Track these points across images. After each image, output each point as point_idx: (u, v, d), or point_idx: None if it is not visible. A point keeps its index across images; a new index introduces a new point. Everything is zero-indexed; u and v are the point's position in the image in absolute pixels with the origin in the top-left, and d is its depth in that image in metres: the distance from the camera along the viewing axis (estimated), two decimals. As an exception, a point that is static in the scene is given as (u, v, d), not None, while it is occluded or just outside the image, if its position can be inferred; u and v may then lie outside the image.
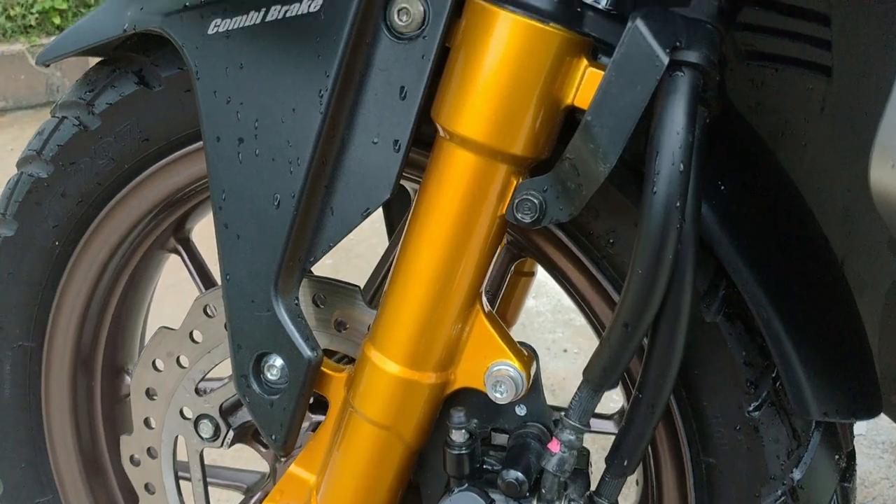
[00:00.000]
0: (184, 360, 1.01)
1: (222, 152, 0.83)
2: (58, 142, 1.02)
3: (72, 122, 1.01)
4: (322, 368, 0.84)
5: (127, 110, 0.98)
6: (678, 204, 0.66)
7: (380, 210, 1.20)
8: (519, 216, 0.74)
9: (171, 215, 1.08)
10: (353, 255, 2.67)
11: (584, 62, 0.71)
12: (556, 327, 2.26)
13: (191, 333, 1.00)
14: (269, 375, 0.84)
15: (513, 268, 1.08)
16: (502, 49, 0.70)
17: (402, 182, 0.95)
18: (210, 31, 0.83)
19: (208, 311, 0.98)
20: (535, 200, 0.73)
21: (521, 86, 0.70)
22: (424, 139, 0.84)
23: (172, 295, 1.63)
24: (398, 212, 1.20)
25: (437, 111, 0.75)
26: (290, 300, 0.83)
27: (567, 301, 2.54)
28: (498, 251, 0.80)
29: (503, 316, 1.20)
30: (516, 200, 0.74)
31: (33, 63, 4.01)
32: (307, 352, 0.82)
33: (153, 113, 0.98)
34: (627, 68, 0.66)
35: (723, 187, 0.79)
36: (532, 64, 0.70)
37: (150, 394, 1.04)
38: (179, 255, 1.13)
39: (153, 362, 1.02)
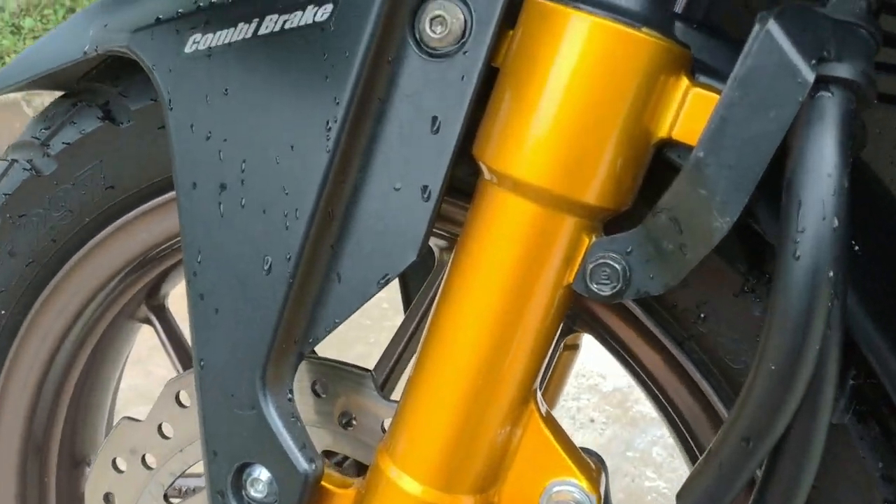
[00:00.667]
0: (150, 460, 0.81)
1: (199, 202, 0.65)
2: (4, 190, 0.84)
3: (22, 165, 0.83)
4: (322, 483, 0.65)
5: (89, 151, 0.80)
6: (830, 273, 0.47)
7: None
8: (594, 287, 0.55)
9: (142, 279, 0.89)
10: (358, 315, 2.48)
11: (685, 81, 0.53)
12: (580, 393, 2.06)
13: (159, 427, 0.80)
14: (252, 492, 0.64)
15: (562, 345, 0.89)
16: (575, 62, 0.52)
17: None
18: (187, 50, 0.64)
19: (181, 399, 0.79)
20: (616, 266, 0.54)
21: (600, 112, 0.52)
22: (459, 185, 0.66)
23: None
24: (418, 276, 1.01)
25: (481, 147, 0.57)
26: (281, 395, 0.64)
27: (593, 362, 2.34)
28: (558, 330, 0.61)
29: (544, 395, 1.00)
30: (590, 266, 0.55)
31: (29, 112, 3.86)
32: (302, 464, 0.62)
33: (120, 154, 0.79)
34: (757, 87, 0.48)
35: (857, 247, 0.60)
36: (617, 82, 0.51)
37: (108, 500, 0.84)
38: (152, 325, 0.94)
39: (113, 461, 0.82)
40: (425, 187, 0.60)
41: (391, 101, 0.60)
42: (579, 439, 2.05)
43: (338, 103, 0.59)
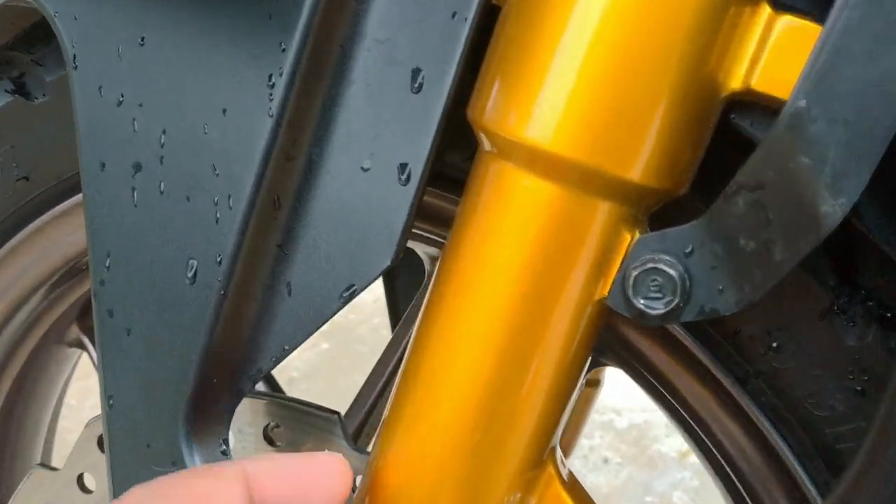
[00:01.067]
0: (68, 520, 0.65)
1: (108, 188, 0.49)
2: None
3: (-79, 153, 0.67)
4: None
5: (-3, 134, 0.64)
6: None
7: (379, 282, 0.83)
8: (640, 303, 0.39)
9: (70, 293, 0.74)
10: (353, 339, 2.31)
11: (767, 9, 0.37)
12: (593, 430, 1.88)
13: (79, 478, 0.64)
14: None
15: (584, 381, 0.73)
16: (613, -20, 0.36)
17: (411, 243, 0.61)
18: (95, -12, 0.49)
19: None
20: (671, 273, 0.38)
21: (646, 49, 0.36)
22: (451, 172, 0.51)
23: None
24: (407, 287, 0.84)
25: (479, 108, 0.41)
26: (211, 448, 0.47)
27: (605, 399, 2.16)
28: (585, 366, 0.45)
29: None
30: (633, 272, 0.39)
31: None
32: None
33: (35, 137, 0.64)
34: (884, 2, 0.32)
35: None
36: (669, 13, 0.35)
37: (18, 568, 0.67)
38: (86, 351, 0.78)
39: (24, 520, 0.66)
40: (404, 166, 0.44)
41: (357, 48, 0.44)
42: (592, 482, 1.87)
43: (284, 50, 0.43)
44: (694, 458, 1.63)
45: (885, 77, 0.32)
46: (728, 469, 0.53)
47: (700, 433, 0.55)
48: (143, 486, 0.38)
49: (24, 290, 0.71)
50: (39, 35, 0.64)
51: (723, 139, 0.41)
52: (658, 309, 0.38)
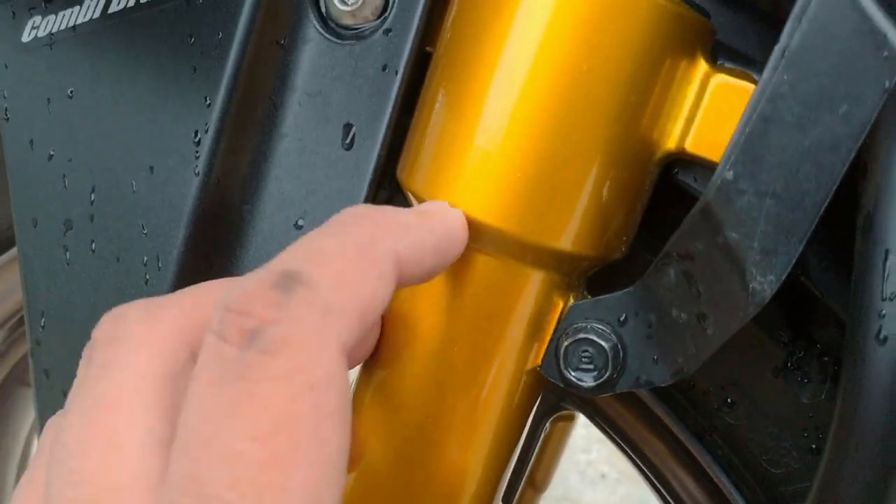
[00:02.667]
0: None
1: (40, 246, 0.47)
2: None
3: None
4: None
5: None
6: (940, 366, 0.29)
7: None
8: (571, 375, 0.37)
9: (29, 334, 0.72)
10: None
11: (704, 65, 0.35)
12: (590, 445, 1.86)
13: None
14: None
15: (548, 424, 0.71)
16: (538, 39, 0.34)
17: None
18: (25, 39, 0.48)
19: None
20: (602, 344, 0.36)
21: (576, 114, 0.34)
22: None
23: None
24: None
25: (407, 170, 0.39)
26: None
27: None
28: (524, 431, 0.43)
29: (532, 477, 0.81)
30: (565, 342, 0.37)
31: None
32: None
33: (-15, 181, 0.63)
34: (817, 67, 0.30)
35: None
36: (601, 63, 0.34)
37: None
38: (48, 391, 0.76)
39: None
40: (337, 224, 0.42)
41: (287, 102, 0.42)
42: (589, 497, 1.86)
43: (209, 105, 0.41)
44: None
45: (816, 147, 0.30)
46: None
47: (660, 487, 0.53)
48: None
49: (-19, 332, 0.70)
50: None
51: (675, 194, 0.39)
52: (588, 382, 0.36)
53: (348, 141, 0.42)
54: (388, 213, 0.32)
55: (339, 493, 0.25)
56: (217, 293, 0.31)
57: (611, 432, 0.54)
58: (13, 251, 0.65)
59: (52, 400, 0.48)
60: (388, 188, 0.44)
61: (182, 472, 0.25)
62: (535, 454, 0.76)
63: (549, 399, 0.65)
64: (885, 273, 0.30)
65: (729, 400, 0.47)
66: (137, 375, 0.29)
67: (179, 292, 0.32)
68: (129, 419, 0.28)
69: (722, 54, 0.38)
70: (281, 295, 0.25)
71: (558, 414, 0.69)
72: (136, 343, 0.30)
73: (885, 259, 0.30)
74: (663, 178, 0.39)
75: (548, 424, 0.70)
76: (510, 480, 0.69)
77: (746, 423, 0.47)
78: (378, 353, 0.40)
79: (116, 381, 0.29)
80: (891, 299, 0.29)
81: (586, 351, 0.36)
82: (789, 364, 0.45)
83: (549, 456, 0.80)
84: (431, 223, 0.34)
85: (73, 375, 0.46)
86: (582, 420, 1.85)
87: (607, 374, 0.36)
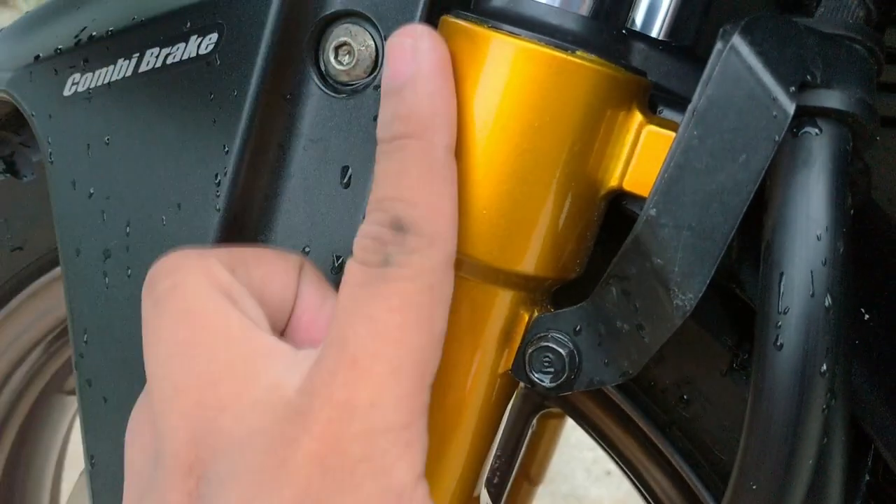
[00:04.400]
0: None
1: (83, 271, 0.55)
2: None
3: (-74, 226, 0.74)
4: None
5: (-8, 209, 0.71)
6: (823, 367, 0.36)
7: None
8: (535, 376, 0.44)
9: (68, 347, 0.80)
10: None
11: (638, 116, 0.42)
12: (595, 444, 1.92)
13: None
14: None
15: (535, 422, 0.78)
16: (497, 96, 0.41)
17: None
18: (66, 93, 0.55)
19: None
20: (560, 350, 0.43)
21: (532, 159, 0.41)
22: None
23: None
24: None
25: (396, 204, 0.46)
26: None
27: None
28: (501, 425, 0.50)
29: (526, 471, 0.88)
30: (529, 349, 0.44)
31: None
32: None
33: (26, 211, 0.70)
34: (720, 123, 0.37)
35: (867, 316, 0.49)
36: (550, 119, 0.41)
37: None
38: (84, 398, 0.84)
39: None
40: (337, 257, 0.49)
41: (293, 148, 0.49)
42: (595, 493, 1.92)
43: (227, 152, 0.48)
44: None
45: (722, 189, 0.37)
46: (648, 498, 0.58)
47: (631, 475, 0.60)
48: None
49: (24, 347, 0.77)
50: (24, 119, 0.69)
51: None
52: (547, 382, 0.43)
53: (346, 181, 0.49)
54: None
55: (437, 364, 0.38)
56: (235, 252, 0.43)
57: (589, 429, 0.61)
58: (52, 273, 0.72)
59: (94, 406, 0.55)
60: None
61: (332, 336, 0.36)
62: (527, 450, 0.84)
63: (535, 399, 0.72)
64: (780, 291, 0.36)
65: (685, 397, 0.53)
66: (206, 286, 0.39)
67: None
68: (218, 311, 0.38)
69: (663, 100, 0.45)
70: (398, 234, 0.38)
71: (545, 412, 0.76)
72: (195, 265, 0.40)
73: (780, 280, 0.36)
74: (614, 209, 0.45)
75: (534, 422, 0.77)
76: (501, 473, 0.77)
77: (700, 416, 0.53)
78: None
79: (191, 290, 0.39)
80: (784, 313, 0.36)
81: (547, 357, 0.43)
82: (734, 365, 0.51)
83: (543, 451, 0.87)
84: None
85: (112, 385, 0.53)
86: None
87: (564, 375, 0.43)
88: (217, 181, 0.49)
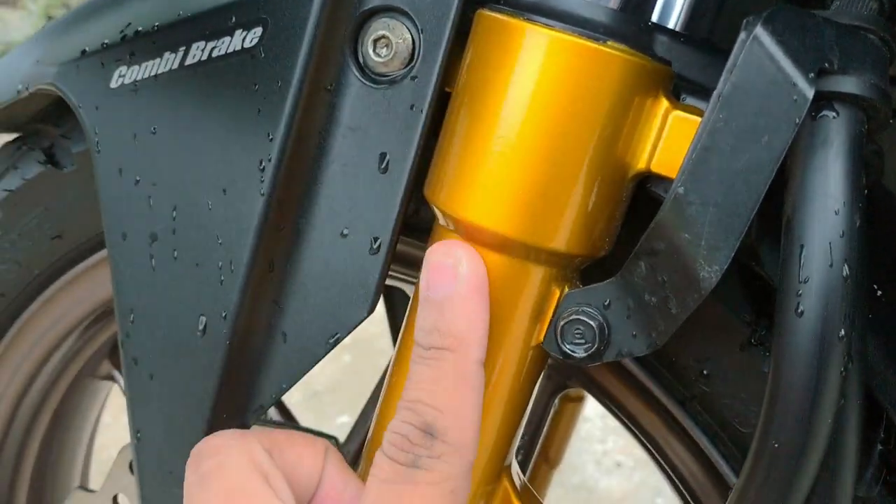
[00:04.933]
0: (106, 538, 0.74)
1: (129, 255, 0.57)
2: (-51, 242, 0.77)
3: (-34, 216, 0.76)
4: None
5: (32, 198, 0.73)
6: (841, 332, 0.38)
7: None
8: (567, 347, 0.46)
9: (102, 333, 0.83)
10: (374, 351, 2.39)
11: (665, 103, 0.45)
12: (606, 436, 1.95)
13: (114, 499, 0.73)
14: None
15: (556, 401, 0.80)
16: (532, 85, 0.44)
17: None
18: (113, 85, 0.58)
19: (137, 469, 0.71)
20: (591, 323, 0.46)
21: (564, 142, 0.44)
22: (420, 225, 0.58)
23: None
24: (406, 301, 0.93)
25: (432, 188, 0.49)
26: (223, 475, 0.56)
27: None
28: (531, 397, 0.52)
29: (545, 453, 0.91)
30: (561, 323, 0.47)
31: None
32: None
33: (66, 201, 0.73)
34: (744, 108, 0.40)
35: (880, 292, 0.51)
36: (582, 106, 0.43)
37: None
38: (117, 383, 0.87)
39: (67, 538, 0.75)
40: (375, 238, 0.52)
41: (333, 135, 0.52)
42: (605, 485, 1.95)
43: (271, 140, 0.51)
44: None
45: (746, 168, 0.40)
46: (675, 477, 0.61)
47: (652, 449, 0.62)
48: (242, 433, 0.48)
49: (61, 332, 0.80)
50: (64, 111, 0.72)
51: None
52: (581, 353, 0.46)
53: (383, 166, 0.51)
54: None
55: None
56: (270, 435, 0.48)
57: (612, 406, 0.63)
58: (89, 261, 0.75)
59: (140, 383, 0.58)
60: (416, 202, 0.54)
61: None
62: (547, 432, 0.86)
63: (557, 379, 0.75)
64: (800, 262, 0.39)
65: (704, 372, 0.56)
66: (247, 467, 0.44)
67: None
68: (256, 493, 0.43)
69: (686, 88, 0.47)
70: (427, 438, 0.42)
71: (566, 392, 0.79)
72: (238, 447, 0.46)
73: (801, 251, 0.39)
74: (641, 190, 0.48)
75: (557, 401, 0.80)
76: (525, 452, 0.79)
77: (719, 391, 0.56)
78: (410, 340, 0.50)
79: (234, 471, 0.44)
80: (805, 282, 0.39)
81: (578, 329, 0.46)
82: (752, 340, 0.54)
83: (561, 434, 0.89)
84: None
85: (157, 362, 0.56)
86: (598, 412, 1.98)
87: (595, 346, 0.45)
88: (261, 167, 0.52)
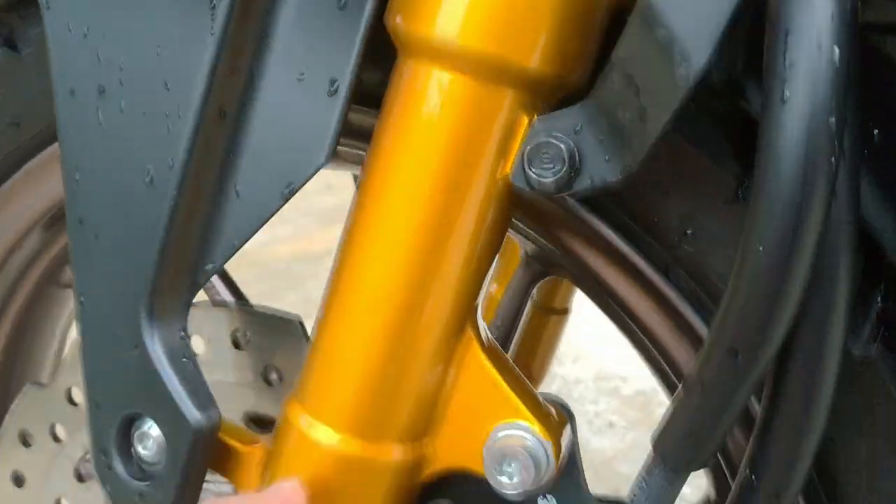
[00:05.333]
0: (60, 432, 0.70)
1: (77, 111, 0.54)
2: None
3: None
4: (222, 438, 0.53)
5: (-12, 83, 0.70)
6: (831, 120, 0.35)
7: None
8: (534, 173, 0.43)
9: (63, 235, 0.79)
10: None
11: None
12: (598, 397, 1.92)
13: (68, 391, 0.69)
14: (141, 450, 0.53)
15: (534, 294, 0.77)
16: None
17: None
18: (60, -65, 0.54)
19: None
20: (560, 146, 0.42)
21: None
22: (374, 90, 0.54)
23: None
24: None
25: (393, 14, 0.45)
26: (171, 332, 0.52)
27: (612, 366, 2.19)
28: (501, 239, 0.49)
29: (528, 369, 0.87)
30: (528, 147, 0.43)
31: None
32: (193, 413, 0.51)
33: (23, 86, 0.69)
34: None
35: (876, 132, 0.48)
36: None
37: (18, 480, 0.73)
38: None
39: (21, 433, 0.71)
40: (333, 80, 0.48)
41: (289, -29, 0.49)
42: (597, 444, 1.91)
43: (222, -26, 0.47)
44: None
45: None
46: (654, 350, 0.58)
47: (637, 330, 0.59)
48: None
49: (20, 231, 0.76)
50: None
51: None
52: (548, 179, 0.42)
53: (342, 3, 0.48)
54: None
55: None
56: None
57: (592, 284, 0.60)
58: (48, 151, 0.71)
59: (85, 243, 0.54)
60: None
61: None
62: (529, 348, 0.83)
63: (536, 267, 0.71)
64: (785, 48, 0.35)
65: (688, 231, 0.52)
66: None
67: None
68: None
69: None
70: None
71: (556, 304, 0.75)
72: None
73: (786, 37, 0.35)
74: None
75: (541, 314, 0.76)
76: (500, 340, 0.75)
77: (704, 250, 0.52)
78: (376, 174, 0.47)
79: None
80: (790, 67, 0.35)
81: (546, 153, 0.42)
82: (739, 192, 0.51)
83: (543, 350, 0.86)
84: None
85: (103, 219, 0.52)
86: (590, 373, 1.94)
87: (564, 170, 0.42)
88: (212, 5, 0.48)
